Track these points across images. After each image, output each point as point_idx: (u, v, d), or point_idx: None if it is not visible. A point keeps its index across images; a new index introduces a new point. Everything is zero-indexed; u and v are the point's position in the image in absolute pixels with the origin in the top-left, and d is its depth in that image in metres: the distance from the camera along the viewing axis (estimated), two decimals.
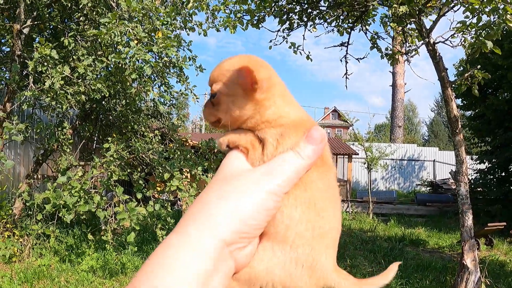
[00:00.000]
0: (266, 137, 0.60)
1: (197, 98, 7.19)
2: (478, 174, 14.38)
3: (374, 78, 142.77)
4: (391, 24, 6.19)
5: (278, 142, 0.59)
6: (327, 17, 6.91)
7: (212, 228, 0.52)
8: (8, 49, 8.45)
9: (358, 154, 20.18)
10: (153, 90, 6.67)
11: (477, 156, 14.83)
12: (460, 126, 5.51)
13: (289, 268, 0.59)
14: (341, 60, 7.45)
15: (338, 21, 7.00)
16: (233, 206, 0.53)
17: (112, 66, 6.64)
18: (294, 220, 0.59)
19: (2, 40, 8.10)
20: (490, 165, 14.01)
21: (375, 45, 6.85)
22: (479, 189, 13.97)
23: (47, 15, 7.40)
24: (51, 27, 8.21)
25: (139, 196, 6.47)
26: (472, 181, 14.04)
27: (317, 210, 0.61)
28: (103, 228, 6.51)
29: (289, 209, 0.59)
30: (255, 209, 0.53)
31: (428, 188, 20.78)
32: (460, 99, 14.02)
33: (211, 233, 0.52)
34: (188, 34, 7.83)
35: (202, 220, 0.53)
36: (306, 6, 6.82)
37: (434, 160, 26.37)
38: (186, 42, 7.60)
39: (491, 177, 13.98)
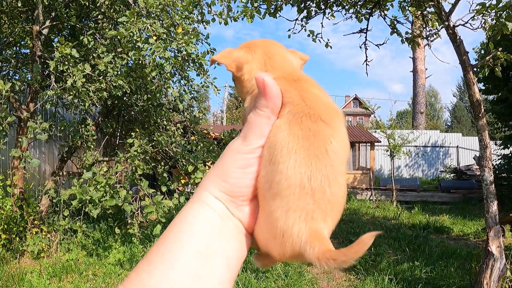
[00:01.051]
0: (245, 105, 0.65)
1: (218, 90, 7.25)
2: (502, 159, 14.12)
3: (394, 65, 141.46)
4: (409, 9, 6.11)
5: (249, 106, 0.62)
6: (345, 4, 6.85)
7: (205, 187, 0.59)
8: (28, 51, 8.61)
9: (380, 141, 20.04)
10: (172, 87, 6.74)
11: (501, 141, 14.56)
12: (483, 110, 5.41)
13: (262, 231, 0.57)
14: (360, 47, 7.38)
15: (356, 7, 6.93)
16: (214, 169, 0.59)
17: (132, 62, 6.71)
18: (260, 176, 0.57)
19: (22, 42, 8.25)
20: None
21: (395, 30, 6.76)
22: (503, 175, 13.72)
23: (65, 15, 7.50)
24: (68, 26, 8.32)
25: (163, 189, 6.56)
26: (496, 167, 13.80)
27: (275, 162, 0.54)
28: (129, 221, 6.61)
29: (260, 165, 0.57)
30: (230, 169, 0.57)
31: (452, 175, 20.52)
32: (482, 83, 13.75)
33: (205, 190, 0.59)
34: (205, 28, 7.86)
35: (201, 183, 0.60)
36: None
37: (457, 146, 26.01)
38: (204, 35, 7.64)
39: None
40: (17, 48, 8.48)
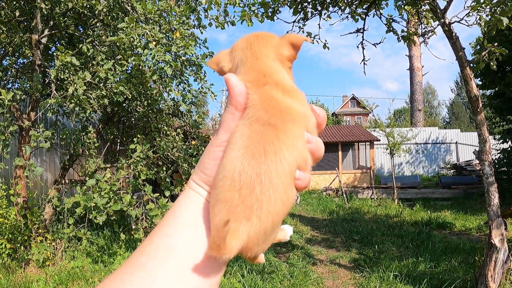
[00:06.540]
0: None
1: (215, 96, 7.29)
2: (502, 153, 14.19)
3: (389, 63, 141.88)
4: (405, 7, 6.16)
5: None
6: (341, 4, 6.90)
7: (191, 177, 0.66)
8: (25, 61, 8.64)
9: (379, 140, 20.11)
10: (174, 90, 6.78)
11: (499, 136, 14.62)
12: (481, 105, 5.47)
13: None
14: (357, 47, 7.43)
15: (351, 7, 6.98)
16: (199, 161, 0.66)
17: (131, 68, 6.73)
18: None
19: (20, 51, 8.28)
20: None
21: (391, 29, 6.80)
22: (503, 169, 13.79)
23: (63, 24, 7.53)
24: (66, 35, 8.35)
25: (167, 194, 6.60)
26: (495, 161, 13.85)
27: (224, 156, 0.60)
28: (133, 227, 6.64)
29: None
30: (205, 161, 0.64)
31: (452, 171, 20.58)
32: (479, 79, 13.82)
33: (191, 179, 0.66)
34: (201, 33, 7.91)
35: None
36: None
37: (456, 142, 26.09)
38: (201, 40, 7.67)
39: None
40: (16, 57, 8.51)
